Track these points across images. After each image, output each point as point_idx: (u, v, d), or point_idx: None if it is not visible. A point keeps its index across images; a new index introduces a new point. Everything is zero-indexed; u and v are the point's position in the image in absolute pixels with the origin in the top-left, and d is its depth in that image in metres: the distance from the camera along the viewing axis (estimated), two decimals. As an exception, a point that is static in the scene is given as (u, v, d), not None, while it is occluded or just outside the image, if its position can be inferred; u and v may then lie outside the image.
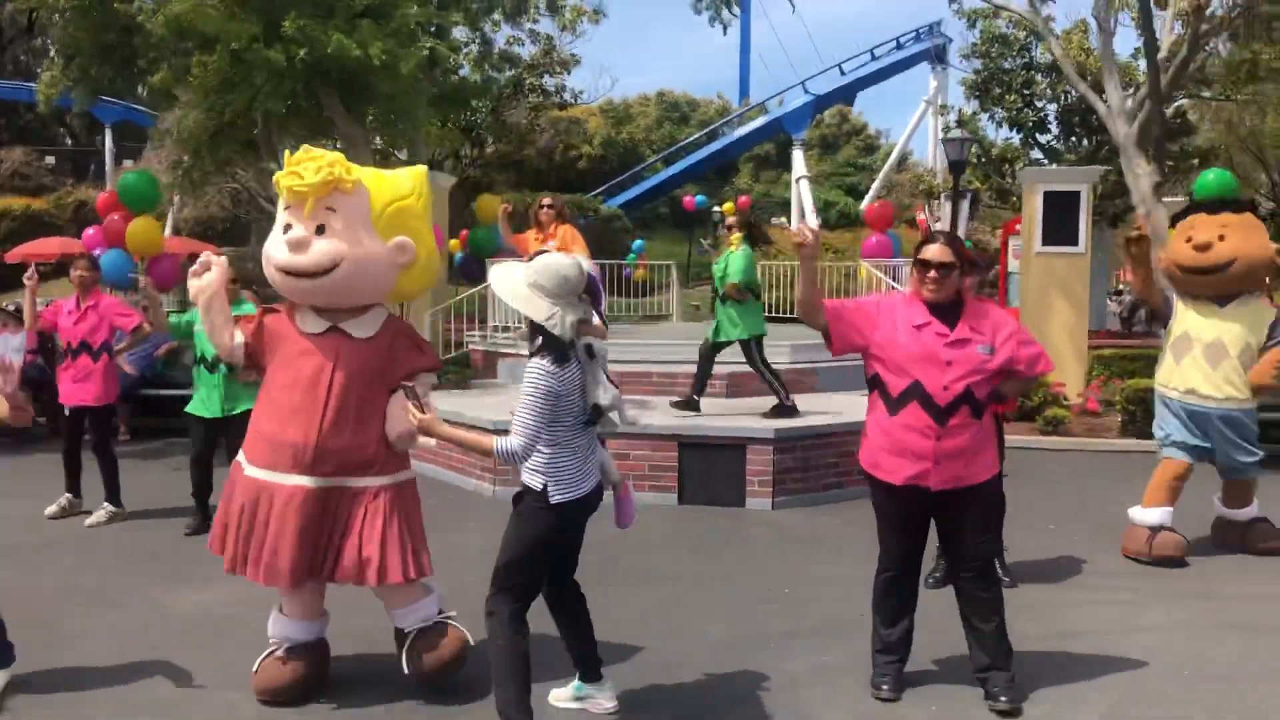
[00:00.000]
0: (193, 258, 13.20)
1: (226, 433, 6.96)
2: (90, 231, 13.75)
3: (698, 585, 5.85)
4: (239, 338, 4.09)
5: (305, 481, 3.94)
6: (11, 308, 9.90)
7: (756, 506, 7.67)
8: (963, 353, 3.93)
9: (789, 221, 31.41)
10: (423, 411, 3.74)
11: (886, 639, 4.28)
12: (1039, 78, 24.24)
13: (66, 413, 7.46)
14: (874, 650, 4.33)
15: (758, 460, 7.65)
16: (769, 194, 37.99)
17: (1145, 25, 13.91)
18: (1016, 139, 25.19)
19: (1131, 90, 17.06)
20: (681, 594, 5.69)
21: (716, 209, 27.08)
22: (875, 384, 4.12)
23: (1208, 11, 14.14)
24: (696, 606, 5.47)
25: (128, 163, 32.50)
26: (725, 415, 8.39)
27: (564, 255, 3.59)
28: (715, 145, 34.38)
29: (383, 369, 4.07)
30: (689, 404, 8.53)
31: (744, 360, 8.59)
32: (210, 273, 4.04)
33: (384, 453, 4.06)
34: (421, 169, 4.24)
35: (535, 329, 3.54)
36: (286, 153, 3.99)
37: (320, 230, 3.89)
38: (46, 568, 6.19)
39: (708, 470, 7.80)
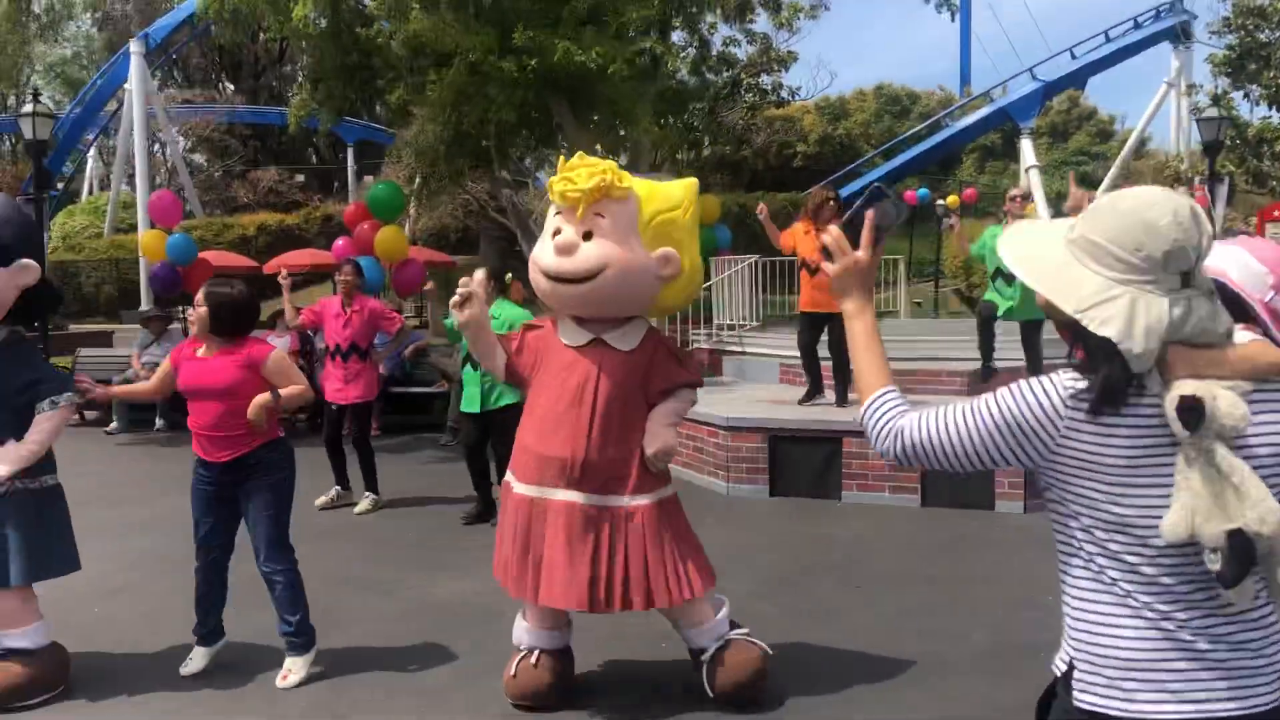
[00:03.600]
0: (430, 264, 13.92)
1: (490, 426, 7.17)
2: (340, 242, 14.58)
3: (953, 589, 5.61)
4: (502, 356, 4.10)
5: (575, 497, 3.89)
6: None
7: (1006, 509, 7.30)
8: None
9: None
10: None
11: None
12: (1303, 49, 22.27)
13: (333, 409, 7.91)
14: None
15: (1008, 460, 7.28)
16: (995, 185, 36.51)
17: None
18: (1276, 118, 23.22)
19: None
20: (937, 598, 5.47)
21: (940, 202, 26.20)
22: None
23: None
24: (954, 611, 5.25)
25: (368, 178, 34.57)
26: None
27: (1155, 191, 1.77)
28: (937, 137, 33.23)
29: (644, 382, 4.00)
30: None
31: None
32: (470, 306, 3.98)
33: (644, 468, 3.96)
34: (693, 181, 4.13)
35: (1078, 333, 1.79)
36: (560, 158, 3.95)
37: (588, 236, 3.84)
38: (319, 556, 6.56)
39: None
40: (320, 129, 26.36)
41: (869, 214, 1.98)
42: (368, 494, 7.82)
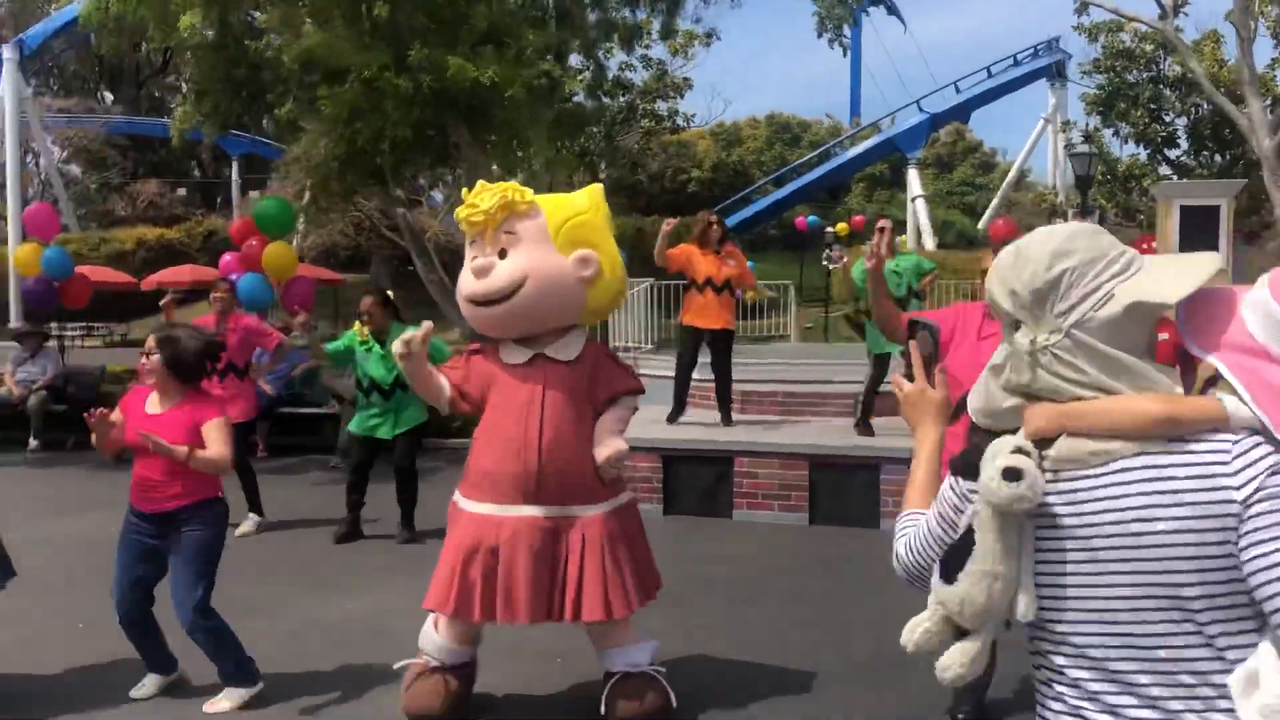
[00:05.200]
0: (320, 282, 13.60)
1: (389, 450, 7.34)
2: (226, 257, 14.20)
3: (837, 603, 5.75)
4: (446, 389, 4.08)
5: (534, 511, 3.89)
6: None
7: (890, 528, 7.48)
8: None
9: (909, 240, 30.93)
10: None
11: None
12: (1167, 91, 23.49)
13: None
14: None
15: (893, 479, 7.49)
16: (883, 213, 37.56)
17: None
18: (1143, 155, 24.44)
19: (1269, 101, 16.39)
20: (823, 612, 5.60)
21: (829, 229, 26.85)
22: None
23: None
24: (839, 625, 5.37)
25: (254, 193, 33.81)
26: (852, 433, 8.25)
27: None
28: (827, 166, 34.09)
29: (589, 391, 4.03)
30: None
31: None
32: (410, 354, 3.94)
33: (598, 478, 3.99)
34: (598, 186, 4.20)
35: None
36: (465, 190, 4.00)
37: (503, 255, 3.89)
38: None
39: (840, 489, 7.67)
40: (204, 142, 25.78)
41: (912, 345, 2.00)
42: (251, 515, 7.68)
